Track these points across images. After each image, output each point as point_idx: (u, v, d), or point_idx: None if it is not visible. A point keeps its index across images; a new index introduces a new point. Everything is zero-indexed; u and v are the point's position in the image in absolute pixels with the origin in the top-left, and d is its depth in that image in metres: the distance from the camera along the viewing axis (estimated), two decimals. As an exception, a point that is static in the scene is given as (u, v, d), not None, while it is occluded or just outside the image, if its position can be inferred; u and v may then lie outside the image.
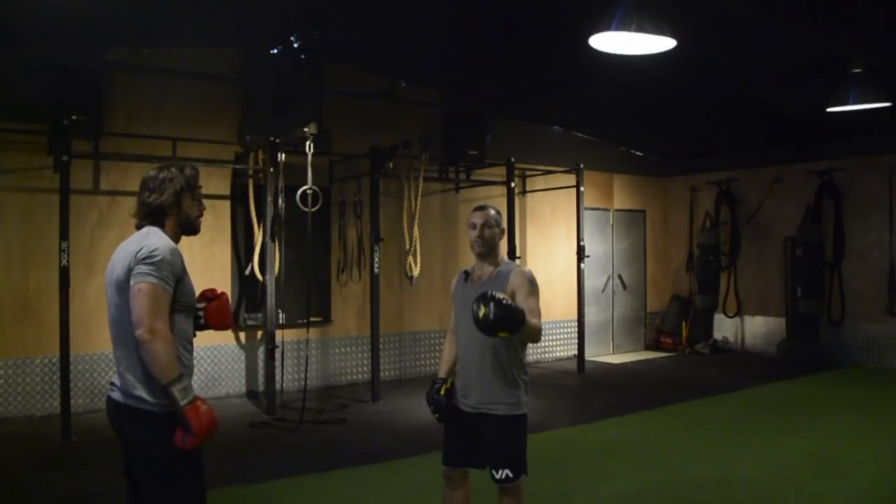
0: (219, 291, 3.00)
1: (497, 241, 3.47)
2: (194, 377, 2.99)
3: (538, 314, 3.28)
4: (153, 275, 2.56)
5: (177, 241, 2.77)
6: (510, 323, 2.97)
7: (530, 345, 3.58)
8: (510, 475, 3.30)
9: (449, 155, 9.18)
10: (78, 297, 6.61)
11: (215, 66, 7.68)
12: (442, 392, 3.50)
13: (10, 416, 6.69)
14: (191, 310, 2.78)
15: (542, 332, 3.36)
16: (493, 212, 3.48)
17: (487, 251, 3.44)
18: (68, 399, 6.16)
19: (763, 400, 7.90)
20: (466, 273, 3.56)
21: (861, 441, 6.10)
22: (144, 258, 2.58)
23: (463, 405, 3.45)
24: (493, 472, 3.33)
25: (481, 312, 2.95)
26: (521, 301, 3.24)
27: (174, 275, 2.62)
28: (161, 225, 2.75)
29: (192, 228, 2.84)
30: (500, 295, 3.00)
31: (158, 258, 2.58)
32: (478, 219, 3.44)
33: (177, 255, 2.66)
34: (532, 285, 3.35)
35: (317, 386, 8.30)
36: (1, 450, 5.86)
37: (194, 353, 2.84)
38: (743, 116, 9.50)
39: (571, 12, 6.11)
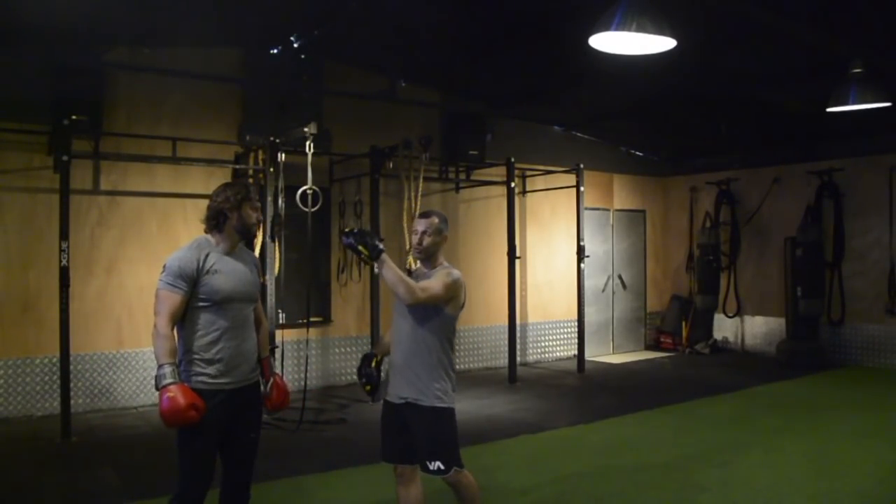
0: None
1: (437, 248, 3.60)
2: None
3: (427, 291, 3.40)
4: (161, 281, 3.16)
5: (235, 243, 3.32)
6: (361, 240, 3.32)
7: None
8: (441, 467, 3.44)
9: (449, 155, 9.18)
10: (78, 297, 6.61)
11: (215, 66, 7.68)
12: (373, 364, 3.70)
13: (10, 416, 6.69)
14: (218, 304, 3.19)
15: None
16: (436, 219, 3.59)
17: (426, 257, 3.60)
18: (68, 399, 6.15)
19: (763, 400, 7.90)
20: (409, 271, 3.76)
21: (861, 441, 6.10)
22: (162, 269, 3.19)
23: (392, 398, 3.57)
24: (427, 463, 3.47)
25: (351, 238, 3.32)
26: (426, 282, 3.45)
27: (183, 278, 3.13)
28: (221, 228, 3.27)
29: (248, 232, 3.34)
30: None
31: (166, 267, 3.16)
32: (420, 226, 3.58)
33: (187, 261, 3.15)
34: (445, 277, 3.48)
35: (317, 386, 8.30)
36: (1, 450, 5.85)
37: None
38: (743, 116, 9.49)
39: (571, 12, 6.10)
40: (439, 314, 3.49)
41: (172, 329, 3.11)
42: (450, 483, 3.53)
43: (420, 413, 3.47)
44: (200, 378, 3.14)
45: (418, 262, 3.70)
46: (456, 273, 3.55)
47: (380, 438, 3.66)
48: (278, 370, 6.92)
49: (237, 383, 3.25)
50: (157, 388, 3.01)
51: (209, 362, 3.16)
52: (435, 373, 3.48)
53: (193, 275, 3.14)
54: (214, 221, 3.27)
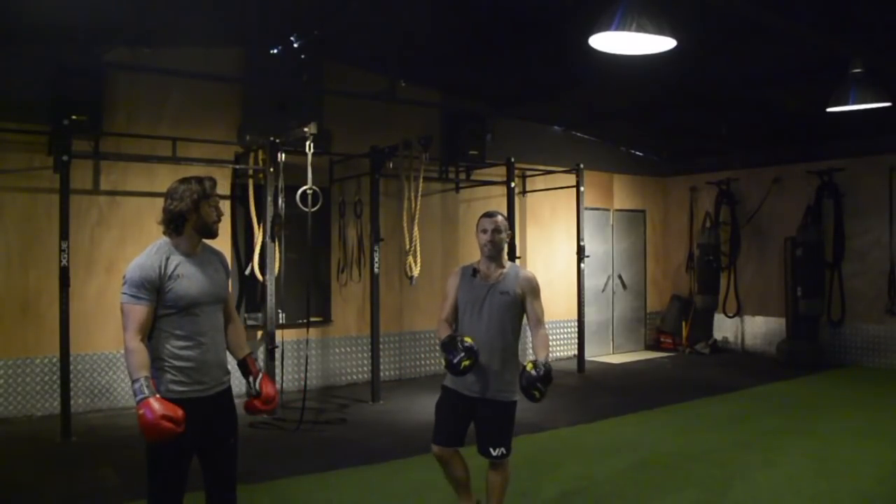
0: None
1: (504, 245, 3.87)
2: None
3: (543, 314, 3.85)
4: (123, 293, 3.01)
5: (196, 243, 3.17)
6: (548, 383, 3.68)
7: (530, 345, 3.79)
8: (504, 452, 3.83)
9: (449, 155, 9.18)
10: (78, 297, 6.61)
11: (215, 66, 7.67)
12: (467, 339, 3.62)
13: (10, 416, 6.68)
14: (184, 309, 3.06)
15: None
16: (501, 218, 3.88)
17: (497, 254, 3.84)
18: (68, 399, 6.16)
19: (763, 400, 7.90)
20: (474, 270, 3.87)
21: (861, 441, 6.10)
22: (122, 280, 3.05)
23: (464, 390, 3.80)
24: (491, 449, 3.81)
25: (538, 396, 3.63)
26: (530, 304, 3.82)
27: (145, 287, 2.99)
28: (180, 231, 3.12)
29: (208, 232, 3.18)
30: (535, 379, 3.62)
31: (127, 278, 3.02)
32: (489, 225, 3.83)
33: (148, 269, 3.01)
34: (537, 290, 3.87)
35: (317, 386, 8.30)
36: (1, 450, 5.85)
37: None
38: (743, 116, 9.49)
39: (571, 12, 6.10)
40: (520, 318, 3.84)
41: (141, 342, 2.97)
42: (498, 465, 3.86)
43: (498, 407, 3.79)
44: (172, 386, 3.02)
45: (482, 259, 3.83)
46: (533, 276, 3.90)
47: (436, 423, 3.90)
48: (278, 370, 6.98)
49: (210, 389, 3.13)
50: (136, 404, 2.89)
51: (179, 370, 3.04)
52: (514, 370, 3.81)
53: (156, 282, 3.00)
54: (173, 225, 3.12)
